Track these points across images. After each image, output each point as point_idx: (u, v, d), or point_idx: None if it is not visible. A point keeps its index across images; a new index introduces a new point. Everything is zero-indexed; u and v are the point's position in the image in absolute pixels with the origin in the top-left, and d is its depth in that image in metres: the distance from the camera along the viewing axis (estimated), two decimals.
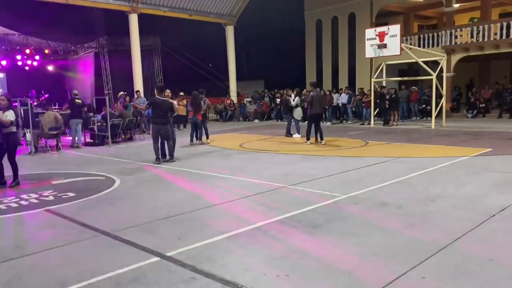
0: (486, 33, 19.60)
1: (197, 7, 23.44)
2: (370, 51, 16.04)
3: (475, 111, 20.43)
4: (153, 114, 9.72)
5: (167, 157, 9.85)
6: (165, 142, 9.81)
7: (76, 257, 4.15)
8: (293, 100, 14.22)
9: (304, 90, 13.03)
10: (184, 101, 18.80)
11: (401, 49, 15.24)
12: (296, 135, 14.25)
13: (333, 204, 5.63)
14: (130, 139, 14.99)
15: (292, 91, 14.87)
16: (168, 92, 9.88)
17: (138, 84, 20.42)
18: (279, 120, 21.67)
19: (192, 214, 5.44)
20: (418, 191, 6.24)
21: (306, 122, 12.67)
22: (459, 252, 3.87)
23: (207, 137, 13.62)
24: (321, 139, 12.09)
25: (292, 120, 14.29)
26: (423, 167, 7.97)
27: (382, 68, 17.85)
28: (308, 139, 12.07)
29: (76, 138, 13.20)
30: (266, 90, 25.51)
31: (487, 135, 12.85)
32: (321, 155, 10.12)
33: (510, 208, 5.18)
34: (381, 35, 15.52)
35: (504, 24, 18.93)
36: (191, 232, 4.72)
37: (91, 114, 14.07)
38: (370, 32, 16.08)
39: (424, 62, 16.11)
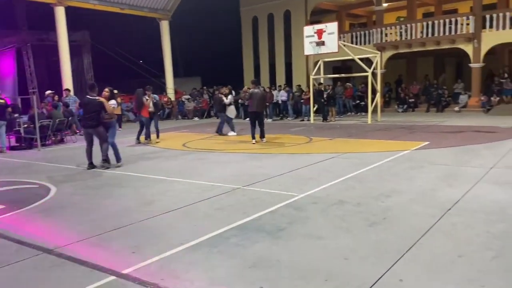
0: (413, 32, 20.68)
1: (129, 0, 22.37)
2: (309, 48, 16.23)
3: (405, 106, 21.50)
4: (82, 116, 9.07)
5: (116, 162, 9.04)
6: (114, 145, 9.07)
7: (15, 282, 3.61)
8: (227, 98, 14.15)
9: (245, 87, 12.85)
10: (119, 99, 17.87)
11: (339, 47, 15.56)
12: (231, 133, 14.11)
13: (292, 205, 5.49)
14: (61, 141, 13.95)
15: (226, 88, 14.84)
16: (106, 91, 9.05)
17: (67, 81, 19.08)
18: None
19: (144, 223, 5.02)
20: (371, 187, 6.28)
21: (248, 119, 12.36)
22: (428, 250, 3.87)
23: (157, 136, 13.22)
24: (263, 137, 11.81)
25: (226, 118, 14.23)
26: (370, 162, 8.11)
27: (319, 66, 18.16)
28: (253, 138, 11.73)
29: (0, 142, 11.99)
30: (205, 87, 25.04)
31: (421, 129, 13.49)
32: (268, 153, 10.00)
33: (461, 201, 5.34)
34: (319, 33, 15.76)
35: (430, 23, 20.07)
36: (146, 244, 4.33)
37: (16, 115, 12.85)
38: (308, 30, 16.26)
39: (359, 59, 16.62)
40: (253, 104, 11.57)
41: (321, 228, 4.57)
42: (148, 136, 12.77)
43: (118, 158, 9.07)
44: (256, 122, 11.74)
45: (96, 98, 8.69)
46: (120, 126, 18.23)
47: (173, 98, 24.42)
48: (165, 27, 24.65)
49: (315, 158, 8.85)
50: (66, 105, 14.95)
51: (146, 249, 4.17)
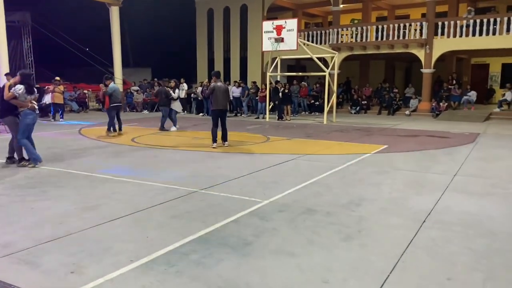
0: (368, 34, 20.85)
1: None
2: (267, 44, 15.78)
3: (358, 107, 21.67)
4: None
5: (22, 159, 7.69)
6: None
7: None
8: (174, 92, 13.59)
9: (205, 81, 11.86)
10: (61, 87, 16.58)
11: (298, 45, 15.23)
12: (173, 128, 13.50)
13: (257, 213, 4.96)
14: None
15: (172, 82, 14.29)
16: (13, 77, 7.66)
17: (3, 66, 17.35)
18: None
19: (87, 233, 4.30)
20: (339, 193, 5.90)
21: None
22: (413, 271, 3.49)
23: (120, 129, 12.48)
24: (225, 140, 10.10)
25: (170, 112, 13.62)
26: (333, 166, 7.77)
27: (277, 63, 17.77)
28: (214, 141, 9.85)
29: None
30: (156, 79, 23.91)
31: (377, 131, 13.45)
32: (226, 152, 9.42)
33: (434, 212, 5.06)
34: (279, 29, 15.35)
35: (385, 26, 20.30)
36: (88, 261, 3.63)
37: None
38: (267, 25, 15.80)
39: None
40: (216, 101, 9.74)
41: (292, 243, 4.08)
42: (113, 129, 12.03)
43: (30, 158, 7.63)
44: (219, 122, 9.98)
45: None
46: (62, 116, 16.92)
47: (121, 89, 23.08)
48: (115, 14, 23.21)
49: (275, 159, 8.39)
50: None
51: (88, 268, 3.48)
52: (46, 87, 17.49)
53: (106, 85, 12.24)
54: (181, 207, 5.18)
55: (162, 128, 13.34)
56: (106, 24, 23.59)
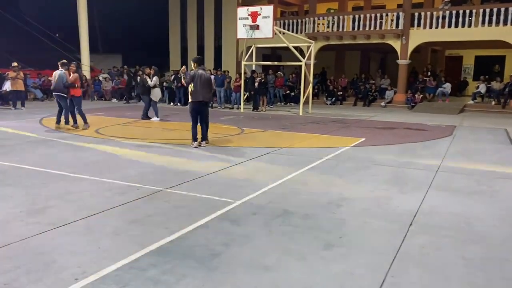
0: (345, 24, 20.49)
1: None
2: (242, 31, 15.13)
3: (333, 99, 21.34)
4: None
5: None
6: None
7: None
8: (151, 80, 12.83)
9: (183, 67, 10.82)
10: (21, 74, 15.54)
11: (273, 32, 14.67)
12: (154, 119, 12.91)
13: (228, 216, 4.45)
14: None
15: (150, 69, 13.40)
16: None
17: None
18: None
19: (29, 243, 3.68)
20: (317, 192, 5.45)
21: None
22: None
23: (67, 122, 11.14)
24: (204, 139, 8.76)
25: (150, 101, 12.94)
26: (310, 160, 7.32)
27: (252, 51, 17.19)
28: (194, 139, 8.56)
29: None
30: (125, 67, 22.92)
31: (353, 123, 13.11)
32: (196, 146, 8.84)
33: (420, 214, 4.67)
34: (254, 15, 14.73)
35: (362, 16, 19.97)
36: (24, 280, 3.04)
37: None
38: (242, 11, 15.15)
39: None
40: (195, 91, 8.32)
41: (267, 253, 3.59)
42: (71, 120, 10.97)
43: None
44: (199, 116, 8.59)
45: None
46: (23, 105, 15.91)
47: (88, 77, 22.04)
48: None
49: (249, 153, 7.88)
50: None
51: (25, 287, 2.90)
52: (6, 73, 16.36)
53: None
54: (142, 209, 4.61)
55: (145, 116, 12.78)
56: (72, 7, 22.41)
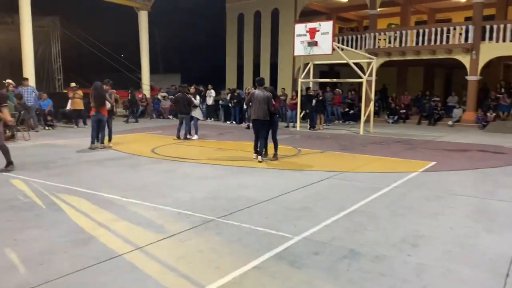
0: (408, 39, 19.50)
1: None
2: (299, 48, 14.74)
3: (395, 117, 20.27)
4: None
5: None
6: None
7: None
8: (196, 99, 12.81)
9: (248, 89, 10.92)
10: (80, 93, 16.06)
11: (333, 49, 14.12)
12: (194, 137, 12.70)
13: (285, 255, 3.93)
14: (12, 137, 12.03)
15: (193, 88, 13.55)
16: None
17: (28, 70, 17.07)
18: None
19: (70, 279, 3.37)
20: (387, 227, 4.79)
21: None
22: None
23: (110, 140, 11.20)
24: (261, 153, 9.14)
25: (192, 119, 12.72)
26: (375, 188, 6.64)
27: (309, 68, 16.70)
28: (256, 152, 9.13)
29: None
30: (175, 85, 23.27)
31: (420, 145, 12.15)
32: (252, 167, 8.43)
33: None
34: (312, 32, 14.29)
35: (426, 30, 18.90)
36: None
37: None
38: (300, 28, 14.77)
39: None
40: (252, 110, 9.16)
41: None
42: (103, 139, 10.84)
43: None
44: (260, 133, 9.09)
45: None
46: (85, 123, 16.43)
47: (148, 95, 22.60)
48: (143, 18, 22.83)
49: (307, 178, 7.33)
50: (19, 97, 13.04)
51: None
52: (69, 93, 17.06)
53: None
54: (192, 244, 4.20)
55: (184, 136, 12.54)
56: (135, 29, 23.21)
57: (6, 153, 7.59)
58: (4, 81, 13.16)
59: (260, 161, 8.94)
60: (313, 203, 5.71)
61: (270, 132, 9.29)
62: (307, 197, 6.07)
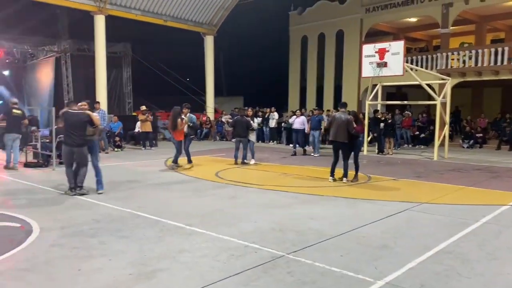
0: (485, 58, 18.15)
1: (173, 12, 21.24)
2: (367, 69, 14.14)
3: (471, 141, 18.81)
4: (65, 132, 7.75)
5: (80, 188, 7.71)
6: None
7: None
8: (253, 122, 12.70)
9: (331, 112, 11.01)
10: (150, 116, 16.56)
11: (404, 70, 13.39)
12: (252, 161, 12.41)
13: None
14: None
15: (250, 111, 13.60)
16: (84, 104, 7.83)
17: (101, 94, 17.93)
18: (261, 142, 19.59)
19: None
20: (483, 273, 4.11)
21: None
22: None
23: (189, 161, 11.40)
24: (344, 176, 9.40)
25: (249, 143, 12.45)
26: (462, 223, 5.90)
27: (377, 90, 15.98)
28: (331, 175, 9.43)
29: (12, 157, 10.62)
30: (236, 108, 23.36)
31: (504, 173, 10.99)
32: (320, 194, 7.94)
33: None
34: (381, 52, 13.67)
35: (506, 49, 17.49)
36: None
37: (33, 128, 11.49)
38: (368, 49, 14.21)
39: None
40: (331, 132, 9.40)
41: None
42: (175, 161, 11.02)
43: (101, 184, 7.91)
44: (341, 154, 9.41)
45: (81, 111, 7.63)
46: (151, 145, 16.79)
47: (212, 118, 22.89)
48: (209, 43, 23.35)
49: (382, 209, 6.72)
50: None
51: None
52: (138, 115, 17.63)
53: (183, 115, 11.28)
54: (261, 283, 3.81)
55: (243, 161, 12.26)
56: (200, 53, 23.79)
57: (84, 176, 7.71)
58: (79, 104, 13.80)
59: (344, 182, 9.27)
60: (392, 240, 5.12)
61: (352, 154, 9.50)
62: (385, 232, 5.48)
